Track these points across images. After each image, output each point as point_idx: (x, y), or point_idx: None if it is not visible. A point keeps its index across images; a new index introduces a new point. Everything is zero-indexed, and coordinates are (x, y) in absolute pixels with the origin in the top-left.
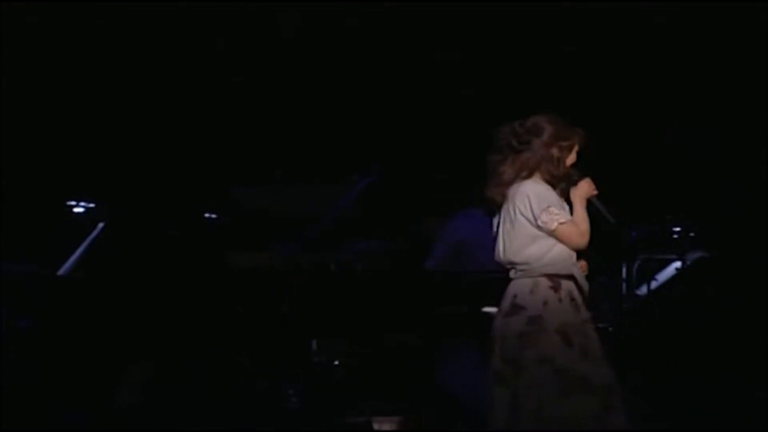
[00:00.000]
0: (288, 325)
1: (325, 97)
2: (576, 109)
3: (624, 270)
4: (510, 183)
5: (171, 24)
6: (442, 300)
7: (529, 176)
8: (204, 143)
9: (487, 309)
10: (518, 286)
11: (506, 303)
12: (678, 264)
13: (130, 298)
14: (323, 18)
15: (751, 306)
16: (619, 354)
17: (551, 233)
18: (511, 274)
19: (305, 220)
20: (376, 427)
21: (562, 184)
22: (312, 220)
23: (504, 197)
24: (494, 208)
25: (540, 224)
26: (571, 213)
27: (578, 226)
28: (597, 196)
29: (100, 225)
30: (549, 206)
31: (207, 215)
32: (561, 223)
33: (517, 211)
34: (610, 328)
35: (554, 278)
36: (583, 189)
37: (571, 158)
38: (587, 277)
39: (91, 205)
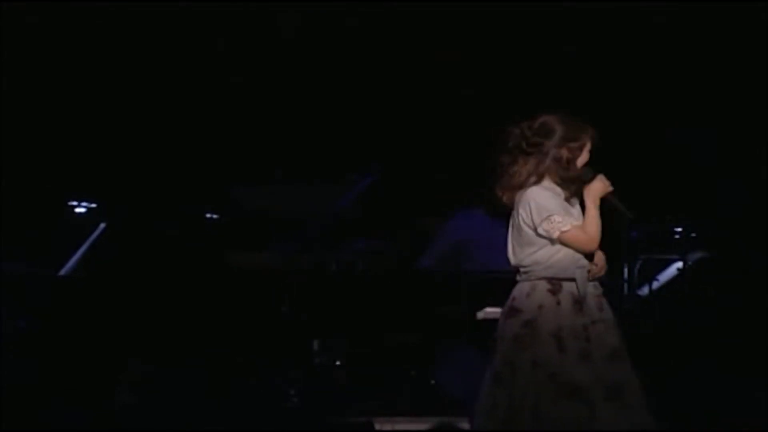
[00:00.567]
0: (288, 325)
1: (324, 97)
2: (576, 110)
3: (625, 270)
4: (520, 185)
5: (171, 24)
6: (442, 300)
7: (539, 180)
8: (204, 143)
9: (481, 314)
10: (518, 289)
11: (507, 305)
12: (679, 264)
13: (130, 298)
14: (323, 18)
15: (752, 306)
16: None
17: (555, 241)
18: (517, 276)
19: (305, 220)
20: (376, 427)
21: (574, 186)
22: (312, 219)
23: (513, 199)
24: (501, 208)
25: (541, 233)
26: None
27: (586, 231)
28: (612, 192)
29: (102, 225)
30: (550, 215)
31: (207, 215)
32: (563, 232)
33: (521, 218)
34: None
35: (554, 281)
36: (597, 188)
37: (583, 158)
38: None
39: (92, 205)
